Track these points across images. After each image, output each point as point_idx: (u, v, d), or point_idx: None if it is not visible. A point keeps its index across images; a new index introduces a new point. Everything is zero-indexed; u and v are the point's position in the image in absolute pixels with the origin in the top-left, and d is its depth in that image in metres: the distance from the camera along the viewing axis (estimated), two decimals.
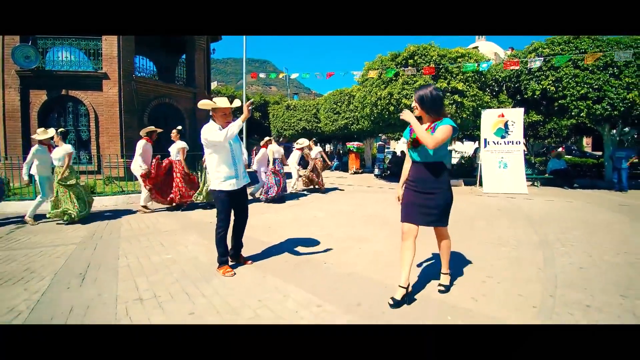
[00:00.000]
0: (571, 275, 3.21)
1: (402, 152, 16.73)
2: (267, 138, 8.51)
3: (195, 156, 8.64)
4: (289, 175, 9.10)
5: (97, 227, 5.49)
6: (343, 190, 10.27)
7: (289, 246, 4.26)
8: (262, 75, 13.29)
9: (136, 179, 7.29)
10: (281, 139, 21.33)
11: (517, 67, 9.24)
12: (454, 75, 9.42)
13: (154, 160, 6.72)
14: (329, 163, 11.66)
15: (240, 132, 3.26)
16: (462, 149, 18.99)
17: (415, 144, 2.62)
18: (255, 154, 9.41)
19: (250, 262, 3.64)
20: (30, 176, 6.08)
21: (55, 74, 9.99)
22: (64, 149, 5.69)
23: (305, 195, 9.02)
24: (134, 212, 6.68)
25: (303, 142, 9.23)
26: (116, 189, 8.35)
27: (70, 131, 10.04)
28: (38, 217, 5.92)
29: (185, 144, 6.93)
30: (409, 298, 2.61)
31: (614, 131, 10.71)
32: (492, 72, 10.15)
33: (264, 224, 5.57)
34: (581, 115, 9.06)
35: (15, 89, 9.86)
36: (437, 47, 9.74)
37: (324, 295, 2.75)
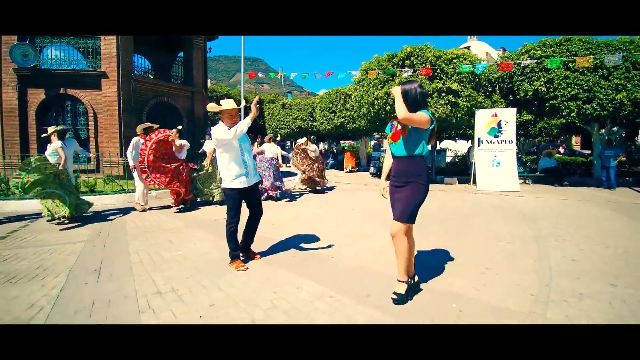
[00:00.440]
0: (564, 266, 3.42)
1: None
2: (269, 136, 8.65)
3: (193, 155, 8.70)
4: (287, 175, 9.20)
5: (102, 225, 5.56)
6: (340, 188, 10.43)
7: (295, 242, 4.41)
8: (260, 74, 13.34)
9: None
10: (277, 138, 21.38)
11: (511, 69, 9.48)
12: (449, 76, 9.64)
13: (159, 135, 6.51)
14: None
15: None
16: (456, 147, 19.29)
17: (394, 137, 2.65)
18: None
19: (258, 256, 3.78)
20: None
21: (53, 72, 9.98)
22: (53, 146, 5.77)
23: (303, 194, 9.15)
24: (135, 211, 6.74)
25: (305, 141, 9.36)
26: (116, 188, 8.39)
27: (69, 130, 10.02)
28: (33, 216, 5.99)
29: (187, 142, 7.00)
30: (411, 292, 2.69)
31: (603, 130, 11.05)
32: (485, 72, 10.40)
33: (267, 221, 5.69)
34: (571, 115, 9.36)
35: (13, 88, 9.82)
36: (433, 48, 9.96)
37: (335, 287, 2.90)
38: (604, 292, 2.78)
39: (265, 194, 7.76)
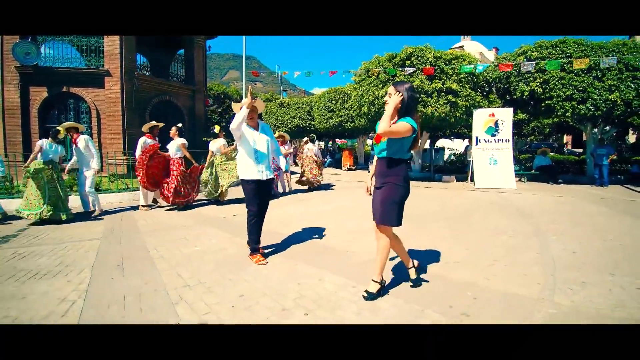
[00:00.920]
0: (566, 258, 3.64)
1: None
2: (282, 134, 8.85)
3: (194, 153, 8.77)
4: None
5: (113, 223, 5.65)
6: (341, 186, 10.63)
7: (306, 237, 4.58)
8: (263, 73, 13.42)
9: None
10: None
11: (510, 70, 9.74)
12: (449, 76, 9.88)
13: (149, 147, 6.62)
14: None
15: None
16: (452, 146, 19.62)
17: (377, 139, 2.65)
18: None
19: (262, 250, 3.84)
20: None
21: (56, 70, 10.00)
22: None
23: (303, 192, 9.29)
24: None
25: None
26: (121, 186, 8.46)
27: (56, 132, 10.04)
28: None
29: (185, 140, 6.95)
30: (383, 292, 2.71)
31: (596, 130, 11.40)
32: (483, 73, 10.65)
33: (276, 218, 5.85)
34: (566, 115, 9.66)
35: (15, 86, 9.81)
36: (433, 48, 10.18)
37: (355, 278, 3.07)
38: (604, 281, 2.99)
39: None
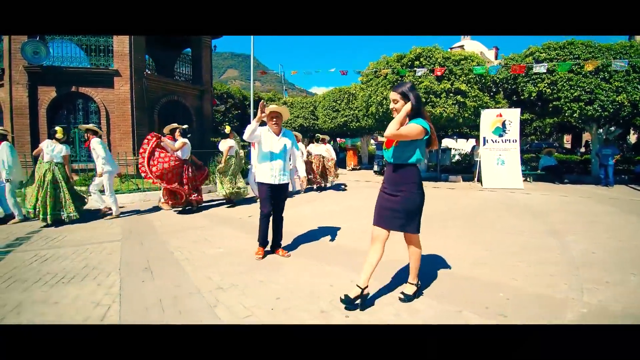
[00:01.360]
0: (586, 258, 3.71)
1: None
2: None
3: (202, 154, 8.79)
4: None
5: (130, 224, 5.63)
6: (348, 186, 10.69)
7: (326, 237, 4.65)
8: (274, 72, 13.46)
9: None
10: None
11: (523, 72, 9.80)
12: (458, 77, 9.94)
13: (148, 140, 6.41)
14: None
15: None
16: (456, 146, 19.69)
17: (388, 144, 2.56)
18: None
19: (284, 252, 3.93)
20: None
21: (65, 70, 9.98)
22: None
23: (308, 192, 9.31)
24: (155, 209, 6.77)
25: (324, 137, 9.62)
26: (132, 187, 8.47)
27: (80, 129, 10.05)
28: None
29: (186, 139, 6.68)
30: (363, 301, 2.57)
31: (601, 130, 11.49)
32: (489, 73, 10.72)
33: (291, 218, 5.88)
34: (574, 115, 9.75)
35: (23, 86, 9.80)
36: (441, 49, 10.24)
37: (381, 278, 3.10)
38: (627, 281, 3.07)
39: None
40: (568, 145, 30.91)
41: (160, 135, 6.49)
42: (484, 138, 10.55)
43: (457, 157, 16.39)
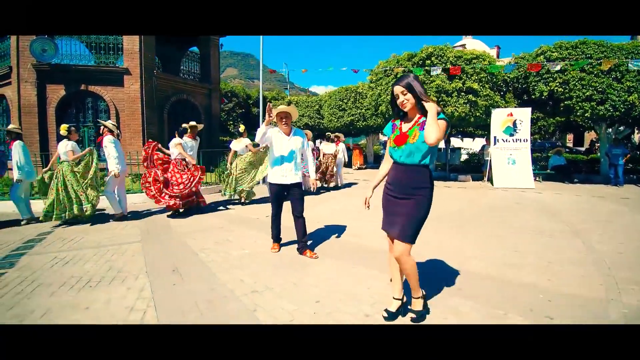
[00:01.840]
0: (615, 258, 3.70)
1: None
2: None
3: (211, 153, 8.75)
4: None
5: (146, 225, 5.56)
6: (358, 185, 10.69)
7: (345, 237, 4.66)
8: (281, 71, 13.42)
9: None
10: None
11: (538, 70, 9.77)
12: (469, 76, 9.92)
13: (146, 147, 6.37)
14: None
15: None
16: (464, 145, 19.64)
17: (399, 141, 2.29)
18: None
19: (312, 254, 3.89)
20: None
21: (73, 68, 9.92)
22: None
23: (321, 193, 9.27)
24: (168, 209, 6.67)
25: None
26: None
27: (90, 127, 10.02)
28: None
29: (180, 139, 6.45)
30: (403, 309, 2.51)
31: (610, 130, 11.49)
32: (501, 72, 10.70)
33: (310, 218, 5.86)
34: (585, 115, 9.74)
35: (32, 84, 9.73)
36: (453, 48, 10.21)
37: (421, 282, 3.08)
38: None
39: None
40: (570, 144, 30.94)
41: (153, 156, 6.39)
42: (495, 137, 10.54)
43: (464, 156, 16.38)
